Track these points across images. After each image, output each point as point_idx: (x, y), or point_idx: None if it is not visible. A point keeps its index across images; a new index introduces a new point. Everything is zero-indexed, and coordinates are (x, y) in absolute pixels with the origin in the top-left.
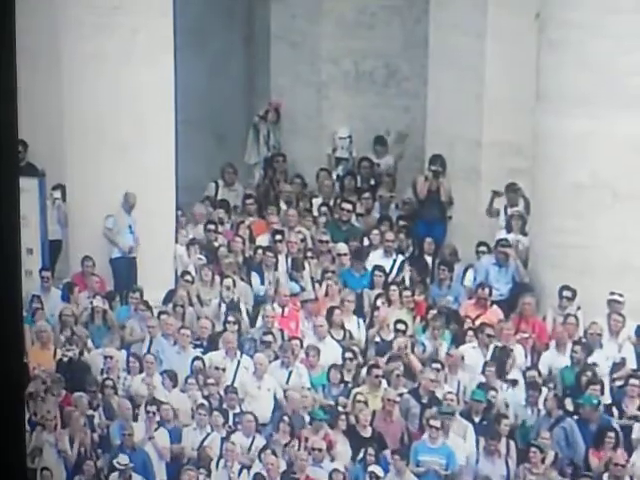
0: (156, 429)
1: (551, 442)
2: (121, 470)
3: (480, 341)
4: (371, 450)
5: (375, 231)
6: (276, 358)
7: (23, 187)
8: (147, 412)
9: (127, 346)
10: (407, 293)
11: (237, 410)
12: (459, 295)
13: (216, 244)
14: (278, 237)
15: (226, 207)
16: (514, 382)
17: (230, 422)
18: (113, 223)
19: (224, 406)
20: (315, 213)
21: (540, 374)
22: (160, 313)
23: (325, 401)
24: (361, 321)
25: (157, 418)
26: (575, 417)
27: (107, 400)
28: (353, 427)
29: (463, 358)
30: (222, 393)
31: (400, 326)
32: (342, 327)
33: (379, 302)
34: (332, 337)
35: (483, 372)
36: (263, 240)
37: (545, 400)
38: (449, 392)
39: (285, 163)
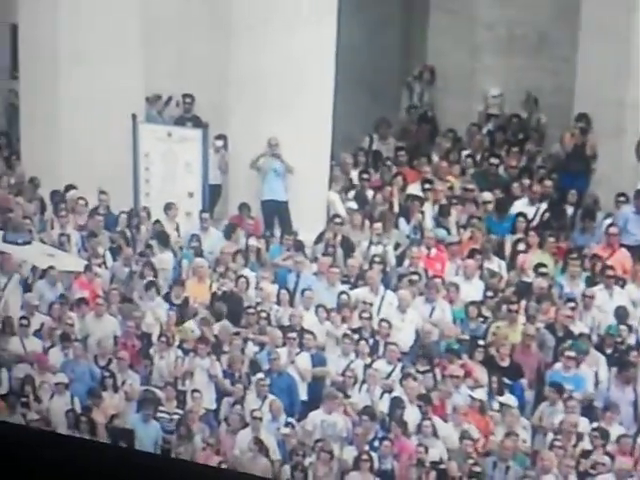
0: (298, 354)
1: None
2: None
3: (608, 283)
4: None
5: (520, 181)
6: (420, 294)
7: (188, 136)
8: (290, 339)
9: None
10: (551, 239)
11: (380, 339)
12: (599, 241)
13: (367, 191)
14: (428, 186)
15: (379, 157)
16: None
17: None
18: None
19: (366, 335)
20: (463, 164)
21: None
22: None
23: (462, 335)
24: (502, 263)
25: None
26: None
27: (262, 329)
28: (491, 357)
29: (594, 297)
30: (367, 324)
31: (541, 269)
32: (483, 268)
33: (520, 246)
34: (474, 277)
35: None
36: (413, 188)
37: None
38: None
39: (436, 119)
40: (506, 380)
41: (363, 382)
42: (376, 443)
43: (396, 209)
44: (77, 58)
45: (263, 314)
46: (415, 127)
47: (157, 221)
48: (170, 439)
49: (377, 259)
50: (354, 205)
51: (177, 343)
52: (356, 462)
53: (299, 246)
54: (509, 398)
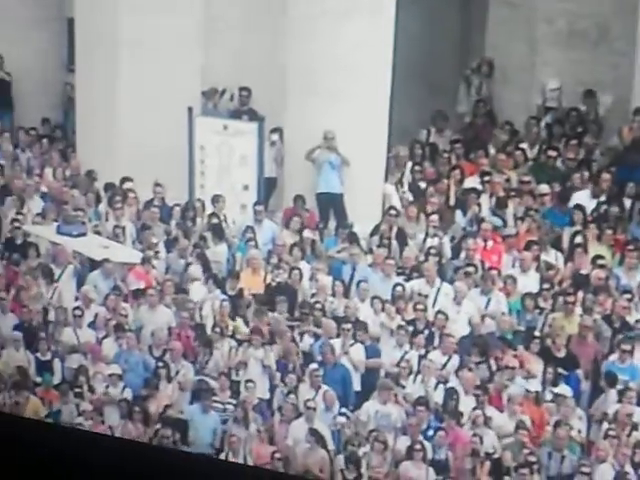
0: (352, 345)
1: None
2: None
3: None
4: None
5: (578, 174)
6: (476, 286)
7: (244, 130)
8: (343, 330)
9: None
10: (609, 232)
11: (435, 331)
12: None
13: (422, 184)
14: (486, 178)
15: (435, 150)
16: None
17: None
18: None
19: (420, 327)
20: (520, 157)
21: None
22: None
23: (518, 327)
24: (559, 254)
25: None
26: None
27: (316, 321)
28: (547, 349)
29: None
30: (421, 316)
31: (599, 261)
32: (540, 260)
33: (578, 239)
34: (530, 269)
35: None
36: (470, 181)
37: None
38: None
39: (493, 111)
40: (562, 371)
41: (418, 373)
42: (430, 433)
43: (452, 201)
44: (134, 51)
45: (318, 306)
46: (472, 120)
47: (212, 213)
48: (224, 429)
49: (433, 251)
50: (410, 197)
51: (231, 334)
52: (409, 452)
53: (354, 238)
54: (564, 389)
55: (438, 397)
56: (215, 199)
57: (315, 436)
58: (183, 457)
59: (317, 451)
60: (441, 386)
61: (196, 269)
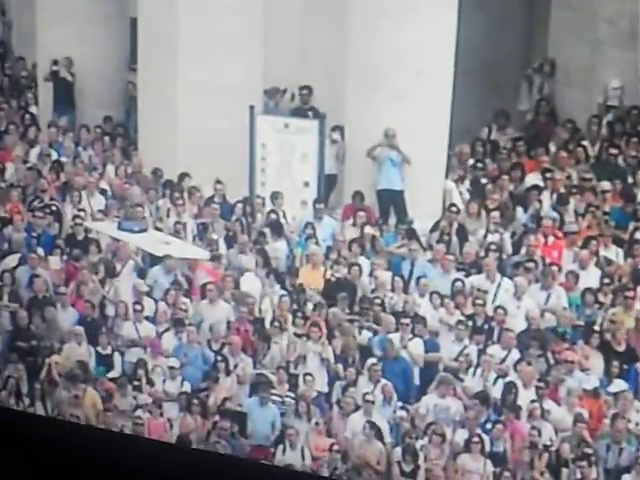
0: (411, 339)
1: None
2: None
3: None
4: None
5: None
6: (536, 282)
7: (305, 127)
8: (402, 324)
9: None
10: None
11: (495, 325)
12: None
13: (483, 180)
14: (548, 175)
15: (496, 147)
16: None
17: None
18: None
19: (480, 322)
20: (581, 154)
21: None
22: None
23: (577, 321)
24: (620, 250)
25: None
26: None
27: (375, 316)
28: (606, 343)
29: None
30: (481, 311)
31: None
32: (600, 255)
33: (638, 234)
34: (590, 264)
35: None
36: (532, 178)
37: None
38: None
39: (555, 110)
40: (621, 365)
41: (477, 367)
42: (488, 426)
43: (513, 198)
44: (196, 49)
45: (376, 301)
46: (534, 118)
47: (271, 210)
48: (283, 422)
49: (493, 247)
50: (470, 194)
51: (290, 328)
52: (467, 444)
53: (413, 234)
54: (623, 382)
55: (497, 391)
56: (274, 196)
57: (374, 429)
58: (213, 458)
59: (374, 444)
60: (500, 380)
61: (249, 260)
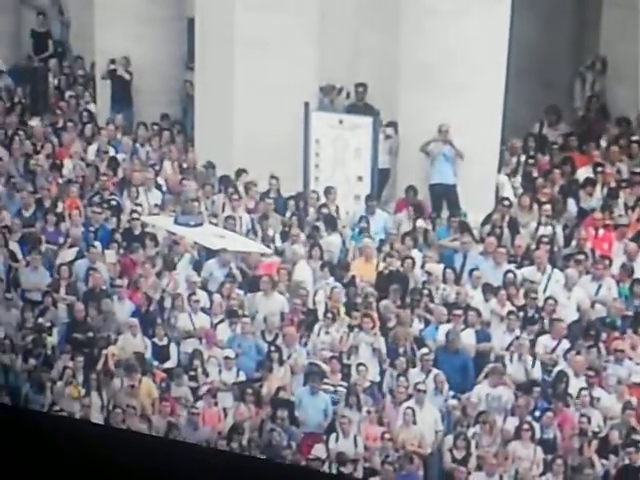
0: (462, 330)
1: None
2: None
3: None
4: None
5: None
6: (587, 273)
7: (359, 123)
8: (454, 315)
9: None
10: None
11: (545, 316)
12: None
13: (534, 174)
14: (599, 169)
15: (547, 142)
16: None
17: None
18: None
19: (531, 312)
20: (635, 150)
21: None
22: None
23: (626, 312)
24: None
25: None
26: None
27: (427, 307)
28: None
29: None
30: (532, 302)
31: None
32: None
33: None
34: (639, 256)
35: None
36: (583, 172)
37: None
38: None
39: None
40: None
41: (521, 355)
42: (537, 414)
43: (564, 191)
44: (250, 49)
45: (427, 292)
46: (585, 114)
47: (325, 204)
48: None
49: (545, 239)
50: (522, 188)
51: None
52: (517, 432)
53: (466, 227)
54: None
55: (547, 379)
56: (328, 190)
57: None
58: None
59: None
60: (550, 369)
61: (302, 253)
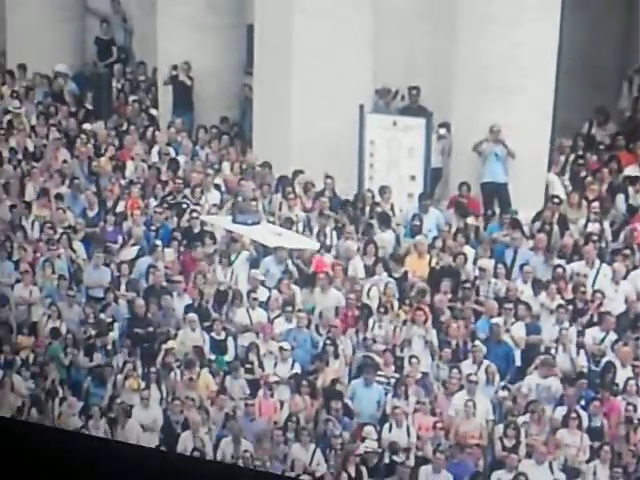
0: (513, 323)
1: None
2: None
3: None
4: None
5: None
6: (634, 267)
7: (412, 125)
8: (505, 309)
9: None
10: None
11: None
12: None
13: (583, 173)
14: None
15: (594, 142)
16: None
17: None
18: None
19: (580, 305)
20: None
21: None
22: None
23: None
24: None
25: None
26: None
27: (479, 301)
28: None
29: None
30: (581, 295)
31: None
32: None
33: None
34: None
35: None
36: (631, 170)
37: None
38: None
39: None
40: None
41: (576, 348)
42: (584, 402)
43: (613, 189)
44: (307, 53)
45: (480, 287)
46: (632, 115)
47: (379, 203)
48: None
49: (594, 236)
50: (572, 186)
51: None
52: (564, 420)
53: (517, 224)
54: None
55: (595, 370)
56: (382, 190)
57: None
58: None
59: (472, 420)
60: (599, 360)
61: (351, 244)
